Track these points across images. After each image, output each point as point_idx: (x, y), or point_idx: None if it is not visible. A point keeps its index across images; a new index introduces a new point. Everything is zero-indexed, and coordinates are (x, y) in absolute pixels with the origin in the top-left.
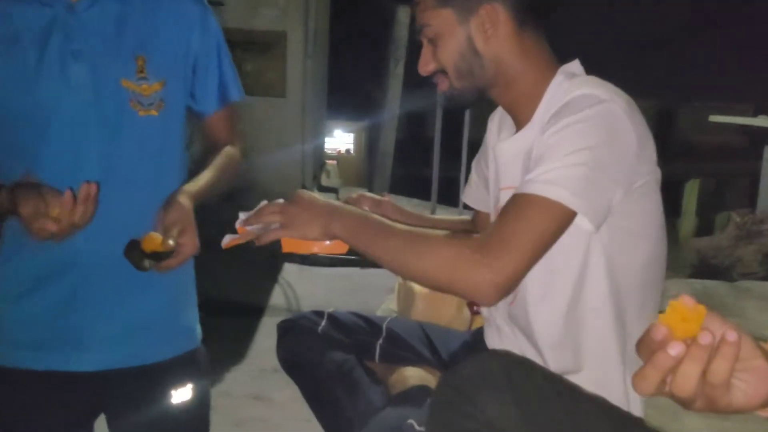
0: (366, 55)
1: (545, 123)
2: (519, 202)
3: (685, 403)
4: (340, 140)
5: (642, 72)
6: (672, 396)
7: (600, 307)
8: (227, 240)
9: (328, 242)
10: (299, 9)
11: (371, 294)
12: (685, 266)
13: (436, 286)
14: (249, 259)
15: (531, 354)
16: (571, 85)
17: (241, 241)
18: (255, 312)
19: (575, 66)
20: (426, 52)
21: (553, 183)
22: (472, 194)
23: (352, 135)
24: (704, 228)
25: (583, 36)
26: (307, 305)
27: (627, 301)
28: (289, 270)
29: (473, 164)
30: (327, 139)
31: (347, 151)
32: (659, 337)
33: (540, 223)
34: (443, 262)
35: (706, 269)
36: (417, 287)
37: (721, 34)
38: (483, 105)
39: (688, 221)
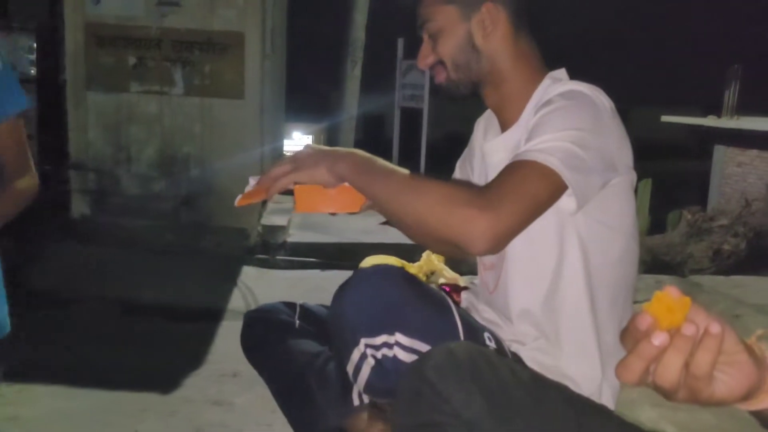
0: (324, 56)
1: (534, 115)
2: (516, 165)
3: (668, 394)
4: (299, 142)
5: (593, 73)
6: (655, 386)
7: (577, 298)
8: (240, 198)
9: (340, 199)
10: (257, 10)
11: (330, 295)
12: (639, 263)
13: (430, 227)
14: (204, 262)
15: (512, 341)
16: (558, 85)
17: (253, 200)
18: (213, 316)
19: (561, 73)
20: (426, 46)
21: (547, 152)
22: None
23: (311, 136)
24: (657, 226)
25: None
26: None
27: (600, 295)
28: (248, 273)
29: (457, 165)
30: (286, 141)
31: None
32: (644, 326)
33: (536, 185)
34: (440, 200)
35: (658, 266)
36: None
37: (671, 35)
38: (440, 108)
39: (642, 219)
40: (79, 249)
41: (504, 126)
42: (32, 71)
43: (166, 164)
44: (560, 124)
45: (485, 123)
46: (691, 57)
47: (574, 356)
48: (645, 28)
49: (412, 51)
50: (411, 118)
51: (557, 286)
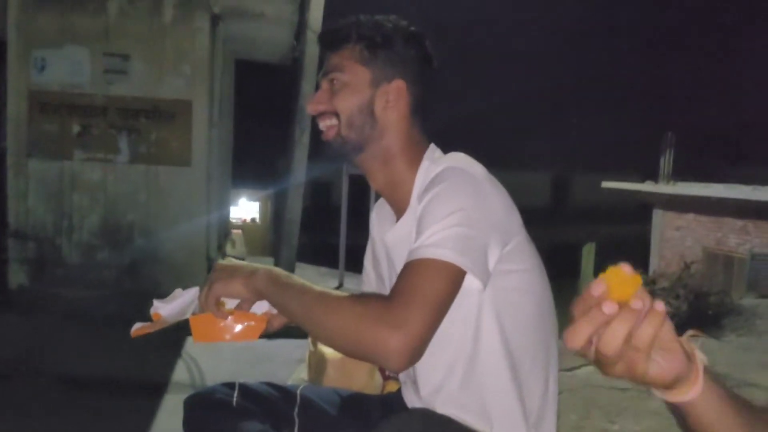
0: (271, 124)
1: (418, 200)
2: (412, 267)
3: (607, 365)
4: (245, 209)
5: (535, 145)
6: (596, 356)
7: (496, 368)
8: (137, 327)
9: (238, 328)
10: (204, 78)
11: (279, 365)
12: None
13: (344, 348)
14: (151, 334)
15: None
16: (436, 165)
17: (150, 330)
18: (156, 389)
19: (434, 149)
20: (323, 93)
21: (437, 245)
22: (370, 289)
23: (257, 203)
24: None
25: (480, 111)
26: (212, 379)
27: (520, 358)
28: (192, 344)
29: (365, 260)
30: (232, 208)
31: (252, 219)
32: (598, 293)
33: (436, 283)
34: (351, 321)
35: None
36: (328, 354)
37: (610, 105)
38: None
39: (587, 282)
40: (17, 321)
41: (396, 211)
42: None
43: (109, 232)
44: (443, 210)
45: (378, 212)
46: (629, 126)
47: (503, 426)
48: (585, 98)
49: None
50: (359, 185)
51: (475, 363)
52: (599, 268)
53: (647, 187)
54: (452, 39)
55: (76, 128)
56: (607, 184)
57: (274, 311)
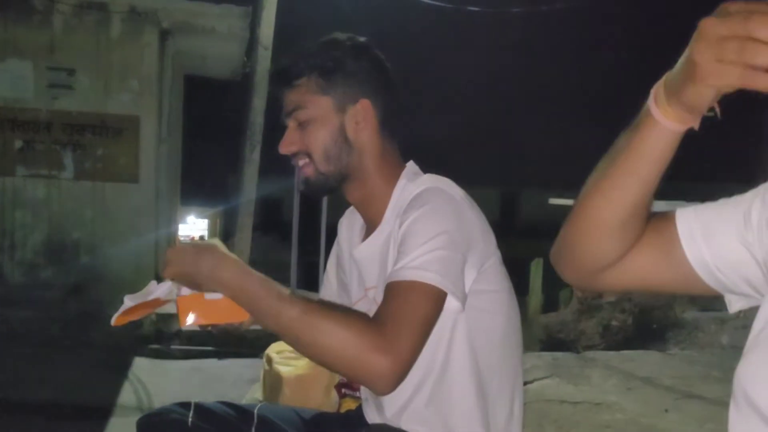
0: (221, 140)
1: (397, 220)
2: (397, 289)
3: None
4: (194, 226)
5: (484, 162)
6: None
7: (463, 387)
8: (118, 314)
9: (228, 308)
10: (153, 93)
11: (230, 386)
12: (534, 341)
13: (330, 367)
14: (93, 355)
15: None
16: (415, 185)
17: (135, 317)
18: (102, 413)
19: (413, 167)
20: (291, 133)
21: (422, 268)
22: (331, 295)
23: (206, 221)
24: (550, 304)
25: (426, 127)
26: (160, 402)
27: (487, 378)
28: (140, 365)
29: (328, 266)
30: (180, 226)
31: (201, 237)
32: None
33: (422, 306)
34: (342, 345)
35: (553, 343)
36: (284, 372)
37: (556, 122)
38: (339, 191)
39: (535, 298)
40: None
41: (368, 224)
42: None
43: (53, 251)
44: (426, 233)
45: (348, 222)
46: (575, 143)
47: None
48: (532, 116)
49: None
50: (310, 201)
51: (443, 382)
52: (547, 284)
53: None
54: (399, 55)
55: (18, 143)
56: (554, 201)
57: None
